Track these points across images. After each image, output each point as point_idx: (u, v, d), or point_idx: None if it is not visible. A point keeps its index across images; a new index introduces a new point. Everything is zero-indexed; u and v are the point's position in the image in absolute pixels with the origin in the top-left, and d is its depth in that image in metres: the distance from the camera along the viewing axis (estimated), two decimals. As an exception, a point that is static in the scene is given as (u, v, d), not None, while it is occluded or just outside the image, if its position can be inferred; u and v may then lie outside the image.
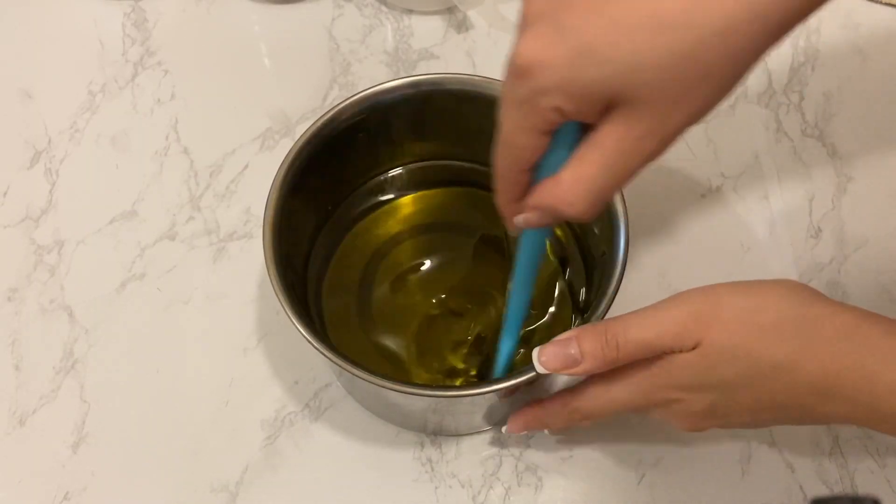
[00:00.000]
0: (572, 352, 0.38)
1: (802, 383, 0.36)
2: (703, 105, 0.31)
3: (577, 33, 0.29)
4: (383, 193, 0.54)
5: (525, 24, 0.31)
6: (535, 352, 0.39)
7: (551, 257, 0.51)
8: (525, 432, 0.47)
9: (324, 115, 0.47)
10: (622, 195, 0.45)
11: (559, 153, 0.33)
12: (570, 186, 0.32)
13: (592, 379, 0.41)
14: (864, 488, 0.49)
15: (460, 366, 0.49)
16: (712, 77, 0.30)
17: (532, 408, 0.44)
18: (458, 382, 0.49)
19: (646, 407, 0.40)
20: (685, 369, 0.37)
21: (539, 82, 0.30)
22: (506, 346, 0.45)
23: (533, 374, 0.39)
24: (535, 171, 0.34)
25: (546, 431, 0.49)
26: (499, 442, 0.50)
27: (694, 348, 0.37)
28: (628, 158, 0.31)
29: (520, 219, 0.35)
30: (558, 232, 0.52)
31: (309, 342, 0.41)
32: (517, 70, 0.30)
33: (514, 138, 0.32)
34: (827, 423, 0.41)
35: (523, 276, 0.41)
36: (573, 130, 0.32)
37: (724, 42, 0.29)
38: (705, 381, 0.38)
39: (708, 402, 0.38)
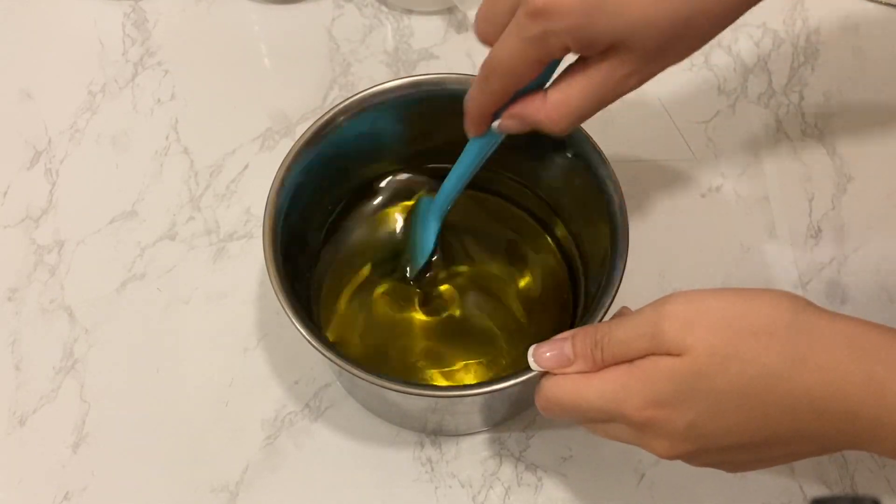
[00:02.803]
0: (566, 352, 0.38)
1: (800, 393, 0.33)
2: (685, 55, 0.37)
3: None
4: (384, 194, 0.54)
5: None
6: (531, 349, 0.39)
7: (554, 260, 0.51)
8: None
9: (324, 115, 0.47)
10: (622, 196, 0.45)
11: (544, 75, 0.38)
12: (556, 105, 0.37)
13: (570, 376, 0.38)
14: (864, 488, 0.49)
15: (460, 364, 0.49)
16: (700, 36, 0.36)
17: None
18: (460, 381, 0.49)
19: (615, 416, 0.36)
20: (666, 374, 0.34)
21: (554, 24, 0.34)
22: (432, 227, 0.48)
23: (532, 373, 0.39)
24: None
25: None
26: (499, 442, 0.50)
27: (680, 355, 0.34)
28: (610, 91, 0.37)
29: (496, 124, 0.40)
30: (559, 233, 0.52)
31: (309, 342, 0.41)
32: (535, 11, 0.34)
33: (516, 66, 0.37)
34: (815, 452, 0.36)
35: (462, 174, 0.45)
36: (557, 60, 0.38)
37: (720, 8, 0.35)
38: (689, 390, 0.34)
39: (688, 418, 0.34)
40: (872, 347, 0.33)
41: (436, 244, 0.49)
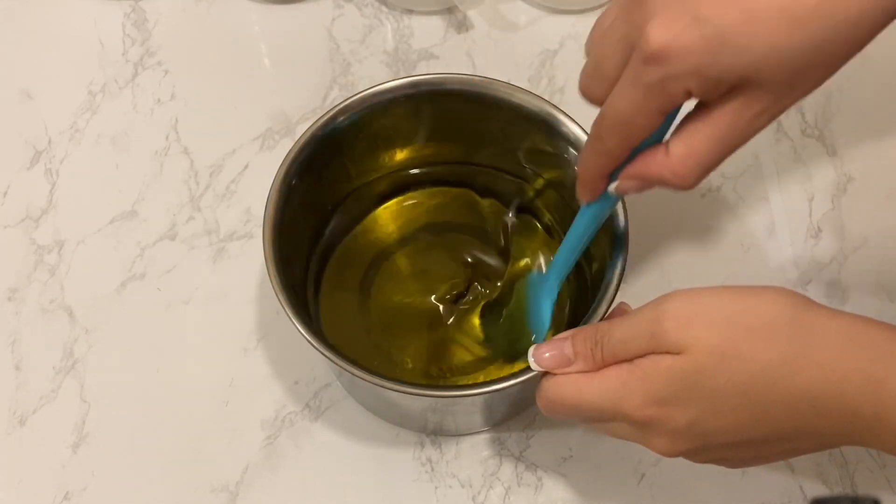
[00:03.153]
0: (567, 352, 0.38)
1: (800, 391, 0.33)
2: (817, 86, 0.33)
3: (713, 22, 0.30)
4: (384, 194, 0.54)
5: (652, 11, 0.32)
6: (531, 350, 0.39)
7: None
8: None
9: (324, 115, 0.47)
10: (622, 196, 0.45)
11: (662, 128, 0.35)
12: (682, 159, 0.34)
13: (572, 375, 0.38)
14: (864, 488, 0.49)
15: (468, 357, 0.49)
16: (833, 64, 0.32)
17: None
18: (462, 379, 0.49)
19: (616, 415, 0.36)
20: (666, 373, 0.34)
21: (674, 67, 0.31)
22: (547, 303, 0.45)
23: (532, 373, 0.39)
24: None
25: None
26: (499, 442, 0.50)
27: (680, 353, 0.34)
28: (740, 134, 0.33)
29: (613, 187, 0.37)
30: (559, 233, 0.52)
31: (309, 342, 0.41)
32: (652, 55, 0.31)
33: (633, 118, 0.34)
34: (816, 448, 0.36)
35: (575, 243, 0.42)
36: (675, 111, 0.34)
37: (854, 33, 0.31)
38: (689, 388, 0.34)
39: (689, 416, 0.35)
40: (871, 345, 0.33)
41: (550, 320, 0.46)
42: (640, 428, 0.36)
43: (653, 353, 0.35)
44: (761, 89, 0.32)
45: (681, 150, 0.34)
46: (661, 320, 0.35)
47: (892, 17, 0.31)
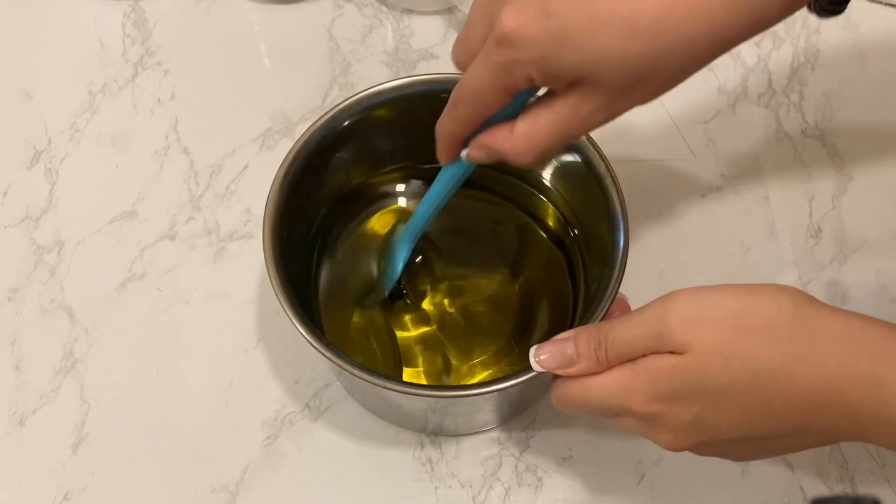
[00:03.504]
0: (569, 352, 0.38)
1: (801, 390, 0.34)
2: (652, 95, 0.36)
3: (560, 19, 0.33)
4: (383, 194, 0.54)
5: None
6: (533, 350, 0.39)
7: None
8: None
9: (324, 115, 0.47)
10: (622, 196, 0.45)
11: (512, 105, 0.37)
12: (522, 138, 0.37)
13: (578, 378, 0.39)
14: (864, 488, 0.49)
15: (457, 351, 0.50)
16: (668, 78, 0.35)
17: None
18: (463, 379, 0.49)
19: (622, 412, 0.37)
20: (670, 373, 0.35)
21: (519, 53, 0.34)
22: (402, 252, 0.48)
23: (533, 373, 0.39)
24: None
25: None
26: (499, 442, 0.50)
27: (683, 353, 0.35)
28: (576, 125, 0.36)
29: (464, 153, 0.40)
30: (559, 233, 0.52)
31: (309, 342, 0.41)
32: (501, 38, 0.34)
33: (482, 93, 0.36)
34: (819, 444, 0.37)
35: (435, 200, 0.45)
36: (528, 91, 0.37)
37: (687, 52, 0.33)
38: (692, 387, 0.35)
39: (693, 412, 0.35)
40: (871, 343, 0.34)
41: (404, 268, 0.49)
42: (645, 423, 0.37)
43: (656, 352, 0.36)
44: (599, 89, 0.34)
45: (523, 129, 0.37)
46: (667, 321, 0.35)
47: (725, 44, 0.34)
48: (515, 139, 0.37)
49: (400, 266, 0.49)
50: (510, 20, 0.33)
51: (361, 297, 0.51)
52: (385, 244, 0.51)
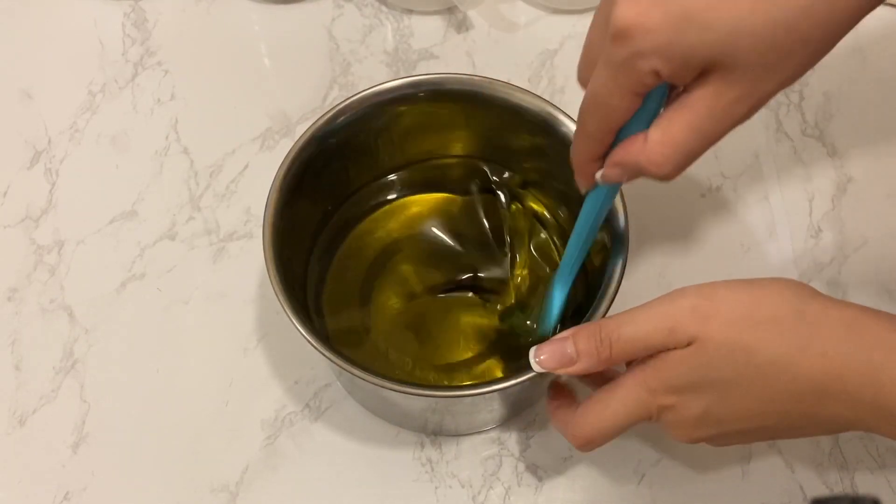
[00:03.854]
0: (568, 351, 0.38)
1: (803, 381, 0.35)
2: (797, 72, 0.32)
3: (678, 0, 0.30)
4: (383, 194, 0.54)
5: None
6: (532, 351, 0.39)
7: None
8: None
9: (324, 115, 0.47)
10: (622, 195, 0.45)
11: (646, 113, 0.34)
12: (659, 147, 0.33)
13: (588, 402, 0.39)
14: (864, 488, 0.49)
15: (468, 353, 0.49)
16: (809, 45, 0.31)
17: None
18: (465, 377, 0.49)
19: (646, 417, 0.38)
20: (679, 367, 0.36)
21: (639, 45, 0.31)
22: (559, 296, 0.45)
23: (532, 373, 0.39)
24: (620, 130, 0.35)
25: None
26: (499, 442, 0.50)
27: (689, 345, 0.36)
28: (718, 122, 0.32)
29: (599, 174, 0.36)
30: (560, 233, 0.52)
31: (309, 342, 0.41)
32: (617, 33, 0.31)
33: (607, 99, 0.33)
34: (827, 432, 0.38)
35: (583, 231, 0.42)
36: (662, 92, 0.33)
37: (828, 10, 0.30)
38: (700, 380, 0.36)
39: (702, 405, 0.36)
40: (870, 335, 0.34)
41: (560, 314, 0.46)
42: (659, 413, 0.38)
43: (667, 348, 0.36)
44: (735, 72, 0.31)
45: (657, 137, 0.33)
46: (679, 317, 0.36)
47: (872, 2, 0.31)
48: (651, 149, 0.33)
49: (557, 310, 0.46)
50: (625, 12, 0.31)
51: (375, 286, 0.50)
52: (537, 290, 0.49)
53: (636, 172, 0.35)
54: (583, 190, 0.39)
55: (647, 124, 0.34)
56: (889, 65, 0.63)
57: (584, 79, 0.36)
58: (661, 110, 0.34)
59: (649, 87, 0.33)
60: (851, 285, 0.55)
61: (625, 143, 0.35)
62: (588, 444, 0.39)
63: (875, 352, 0.34)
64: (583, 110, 0.35)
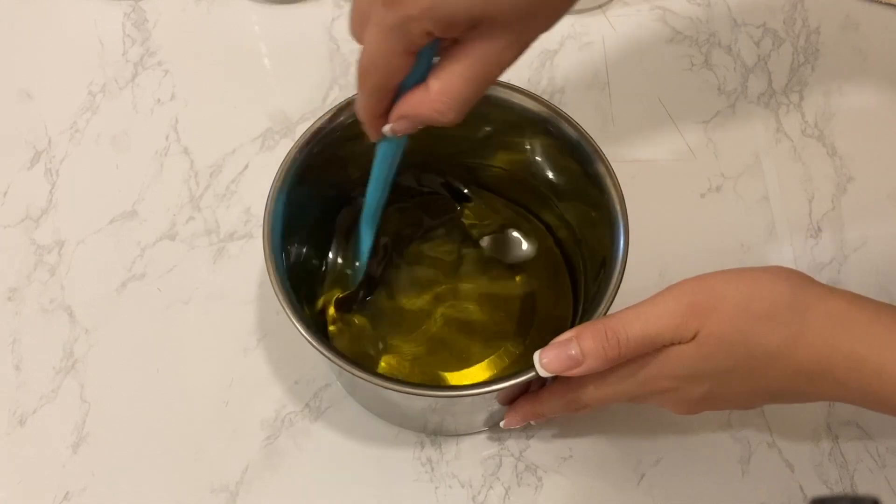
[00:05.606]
0: (573, 352, 0.38)
1: (795, 369, 0.37)
2: (553, 20, 0.36)
3: None
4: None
5: None
6: (536, 355, 0.39)
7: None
8: (523, 424, 0.47)
9: (324, 115, 0.47)
10: (622, 195, 0.45)
11: (421, 67, 0.36)
12: (440, 96, 0.36)
13: (585, 378, 0.41)
14: (864, 488, 0.49)
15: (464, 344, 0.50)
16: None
17: (529, 401, 0.45)
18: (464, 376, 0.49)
19: (642, 395, 0.41)
20: (682, 360, 0.38)
21: (408, 9, 0.33)
22: (366, 240, 0.48)
23: (533, 374, 0.39)
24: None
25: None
26: (499, 442, 0.50)
27: (691, 339, 0.38)
28: (490, 68, 0.35)
29: (387, 128, 0.38)
30: (560, 233, 0.52)
31: (309, 342, 0.41)
32: None
33: (384, 61, 0.35)
34: (819, 401, 0.42)
35: (379, 179, 0.44)
36: (434, 45, 0.36)
37: None
38: (702, 371, 0.39)
39: (704, 389, 0.39)
40: (856, 325, 0.37)
41: (371, 253, 0.49)
42: (660, 393, 0.41)
43: (673, 343, 0.38)
44: (499, 24, 0.34)
45: (438, 86, 0.36)
46: (684, 313, 0.38)
47: None
48: (433, 99, 0.36)
49: (367, 249, 0.49)
50: None
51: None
52: (343, 236, 0.51)
53: (422, 122, 0.37)
54: (373, 140, 0.41)
55: (424, 76, 0.36)
56: (889, 65, 0.63)
57: (357, 35, 0.37)
58: (435, 60, 0.36)
59: (422, 46, 0.35)
60: (851, 285, 0.54)
61: (407, 97, 0.37)
62: (584, 408, 0.43)
63: (858, 344, 0.36)
64: (361, 71, 0.36)
